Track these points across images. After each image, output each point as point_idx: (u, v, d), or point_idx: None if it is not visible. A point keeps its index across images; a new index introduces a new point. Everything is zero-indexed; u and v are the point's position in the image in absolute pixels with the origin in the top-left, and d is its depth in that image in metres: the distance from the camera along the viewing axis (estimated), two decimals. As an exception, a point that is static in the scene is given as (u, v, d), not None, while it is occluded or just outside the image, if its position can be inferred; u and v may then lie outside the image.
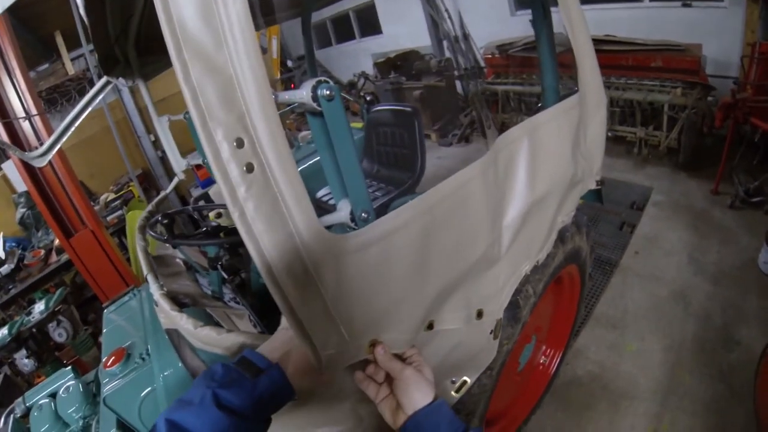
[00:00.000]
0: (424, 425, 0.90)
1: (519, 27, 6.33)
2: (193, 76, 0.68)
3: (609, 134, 5.14)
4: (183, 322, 1.28)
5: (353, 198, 1.00)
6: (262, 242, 0.76)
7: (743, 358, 2.61)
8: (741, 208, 4.00)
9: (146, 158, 6.86)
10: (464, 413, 1.56)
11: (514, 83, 6.02)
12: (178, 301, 1.44)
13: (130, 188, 6.06)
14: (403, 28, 8.83)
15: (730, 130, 4.03)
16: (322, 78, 0.87)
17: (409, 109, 3.04)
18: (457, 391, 1.44)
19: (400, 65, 7.80)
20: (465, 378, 1.46)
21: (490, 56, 6.46)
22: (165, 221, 1.83)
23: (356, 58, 10.61)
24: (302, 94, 0.87)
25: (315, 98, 0.86)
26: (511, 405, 2.30)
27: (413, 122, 2.99)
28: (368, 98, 3.54)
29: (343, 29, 11.34)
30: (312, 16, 3.32)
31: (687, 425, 2.36)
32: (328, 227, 0.92)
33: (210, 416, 0.75)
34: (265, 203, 0.76)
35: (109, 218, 5.48)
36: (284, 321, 0.96)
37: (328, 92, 0.86)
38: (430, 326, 1.21)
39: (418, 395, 0.93)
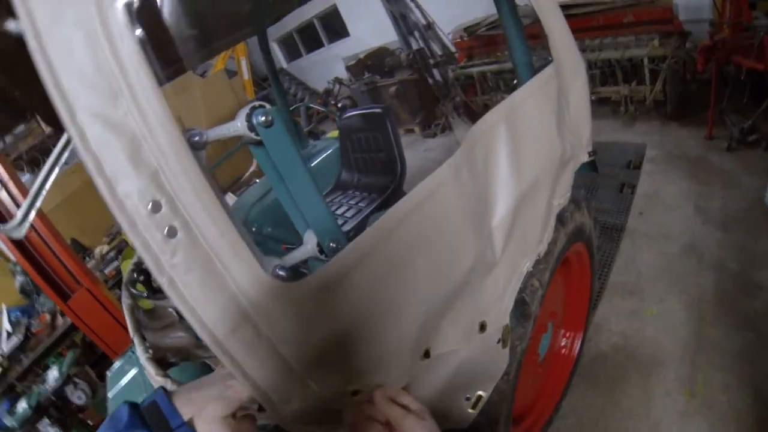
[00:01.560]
0: None
1: (483, 5, 6.24)
2: (91, 141, 0.58)
3: (593, 97, 5.00)
4: (169, 387, 1.20)
5: (317, 227, 0.91)
6: (200, 310, 0.67)
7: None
8: (738, 150, 3.92)
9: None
10: (487, 424, 1.47)
11: (489, 63, 5.92)
12: (166, 362, 1.36)
13: (122, 236, 5.97)
14: (369, 27, 8.76)
15: (714, 72, 3.95)
16: (257, 103, 0.79)
17: (377, 110, 2.96)
18: (473, 408, 1.34)
19: (372, 64, 7.73)
20: (479, 393, 1.35)
21: (459, 40, 6.38)
22: (141, 278, 1.75)
23: (328, 65, 10.54)
24: (237, 126, 0.78)
25: (252, 127, 0.78)
26: (538, 397, 2.22)
27: (384, 122, 2.90)
28: (340, 105, 3.46)
29: (311, 38, 11.28)
30: (276, 29, 3.25)
31: (721, 381, 2.28)
32: (298, 265, 0.85)
33: None
34: (196, 267, 0.67)
35: (106, 271, 5.39)
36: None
37: (264, 118, 0.77)
38: (427, 354, 1.10)
39: None
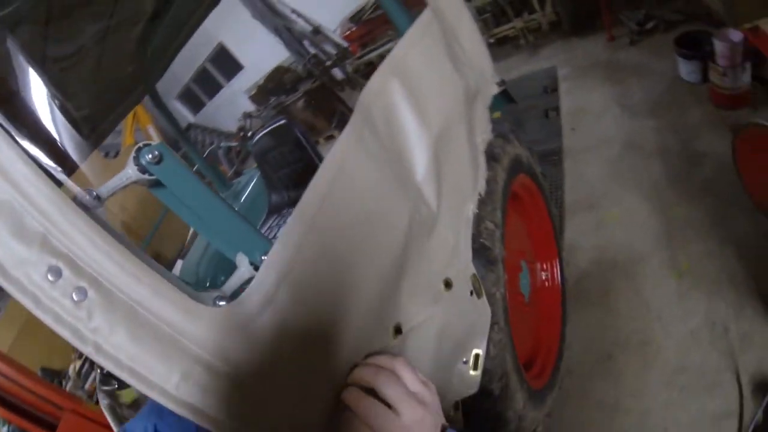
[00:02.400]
0: None
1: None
2: None
3: (491, 40, 5.08)
4: None
5: (244, 246, 0.82)
6: (140, 369, 0.60)
7: (716, 164, 2.57)
8: (641, 41, 4.01)
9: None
10: (497, 379, 1.37)
11: (384, 43, 5.90)
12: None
13: (89, 344, 5.63)
14: (259, 51, 8.61)
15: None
16: (141, 144, 0.71)
17: (281, 122, 2.88)
18: (474, 369, 1.26)
19: (273, 87, 7.60)
20: (475, 351, 1.27)
21: (348, 33, 6.34)
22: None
23: (234, 103, 10.35)
24: (128, 173, 0.71)
25: (143, 169, 0.70)
26: (539, 337, 2.13)
27: (291, 131, 2.83)
28: (249, 134, 3.38)
29: (208, 83, 11.05)
30: (173, 86, 3.11)
31: (702, 251, 2.30)
32: (239, 291, 0.75)
33: None
34: (121, 324, 0.59)
35: (86, 386, 5.06)
36: None
37: (151, 155, 0.70)
38: (398, 330, 1.01)
39: None
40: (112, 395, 1.70)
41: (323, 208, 0.88)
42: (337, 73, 6.79)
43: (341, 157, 0.97)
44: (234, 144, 5.13)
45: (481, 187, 1.51)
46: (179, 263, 4.61)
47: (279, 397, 0.73)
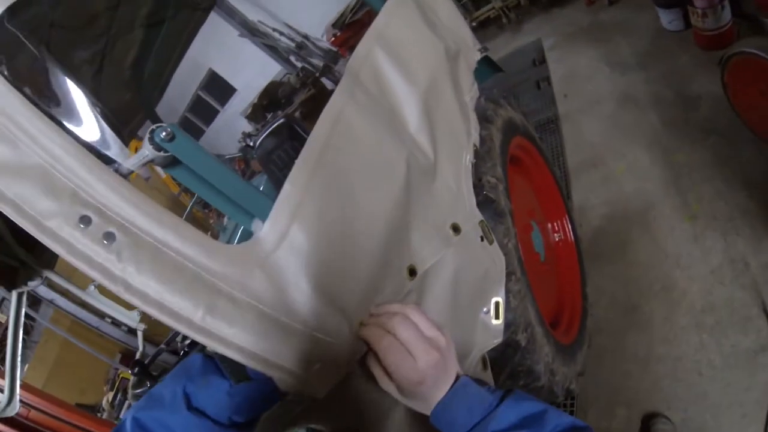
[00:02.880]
0: (451, 410, 0.71)
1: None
2: (7, 194, 0.60)
3: (473, 24, 5.12)
4: None
5: (256, 209, 0.89)
6: (167, 302, 0.66)
7: (712, 104, 2.58)
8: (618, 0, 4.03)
9: (115, 339, 6.51)
10: (521, 330, 1.39)
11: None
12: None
13: (121, 375, 5.70)
14: (250, 71, 8.70)
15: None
16: (154, 126, 0.78)
17: (281, 121, 2.89)
18: (497, 318, 1.29)
19: (268, 103, 7.63)
20: (495, 299, 1.30)
21: (333, 39, 6.38)
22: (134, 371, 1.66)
23: (231, 126, 10.37)
24: (145, 153, 0.77)
25: (158, 147, 0.76)
26: (561, 295, 2.16)
27: (292, 128, 2.89)
28: (251, 144, 3.40)
29: (204, 111, 11.14)
30: (169, 118, 3.12)
31: (712, 191, 2.30)
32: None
33: (179, 419, 0.65)
34: (147, 263, 0.66)
35: (121, 415, 5.15)
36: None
37: (164, 133, 0.76)
38: (413, 272, 1.05)
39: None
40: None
41: (325, 153, 0.96)
42: (331, 77, 6.82)
43: (338, 109, 1.05)
44: (233, 155, 5.16)
45: (476, 139, 1.56)
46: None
47: (312, 328, 0.78)
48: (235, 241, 3.02)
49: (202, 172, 0.82)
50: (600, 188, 2.78)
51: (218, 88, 10.18)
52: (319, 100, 6.80)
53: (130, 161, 0.80)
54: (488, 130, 1.69)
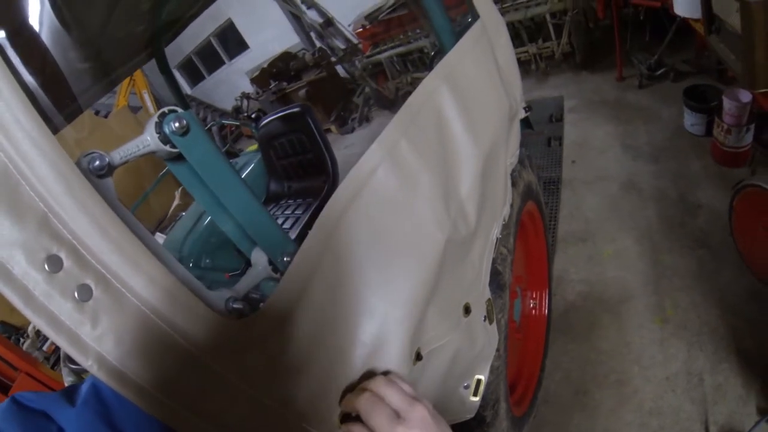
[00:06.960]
0: None
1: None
2: None
3: (502, 62, 5.11)
4: None
5: (264, 243, 0.74)
6: (145, 383, 0.50)
7: (710, 217, 2.63)
8: (649, 85, 4.07)
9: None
10: (490, 406, 1.36)
11: (395, 46, 5.87)
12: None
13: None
14: (268, 34, 8.50)
15: (614, 17, 4.07)
16: (166, 108, 0.60)
17: (296, 109, 2.77)
18: (475, 395, 1.22)
19: (277, 72, 7.48)
20: (478, 377, 1.23)
21: (361, 30, 6.29)
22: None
23: (233, 81, 10.18)
24: (146, 141, 0.59)
25: (165, 138, 0.60)
26: (522, 363, 2.15)
27: (305, 120, 2.73)
28: (253, 115, 3.25)
29: (211, 58, 10.86)
30: (174, 56, 2.97)
31: (688, 301, 2.33)
32: (250, 292, 0.69)
33: None
34: (130, 333, 0.49)
35: (45, 347, 4.85)
36: None
37: (178, 124, 0.59)
38: (418, 357, 0.95)
39: None
40: (79, 374, 1.62)
41: (348, 220, 0.80)
42: (343, 68, 6.73)
43: (370, 167, 0.88)
44: (232, 122, 4.95)
45: (507, 211, 1.48)
46: (159, 236, 4.48)
47: (301, 419, 0.69)
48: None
49: (212, 182, 0.67)
50: (583, 265, 2.80)
51: (231, 40, 9.91)
52: (325, 85, 6.72)
53: (120, 151, 0.59)
54: (512, 196, 1.64)
